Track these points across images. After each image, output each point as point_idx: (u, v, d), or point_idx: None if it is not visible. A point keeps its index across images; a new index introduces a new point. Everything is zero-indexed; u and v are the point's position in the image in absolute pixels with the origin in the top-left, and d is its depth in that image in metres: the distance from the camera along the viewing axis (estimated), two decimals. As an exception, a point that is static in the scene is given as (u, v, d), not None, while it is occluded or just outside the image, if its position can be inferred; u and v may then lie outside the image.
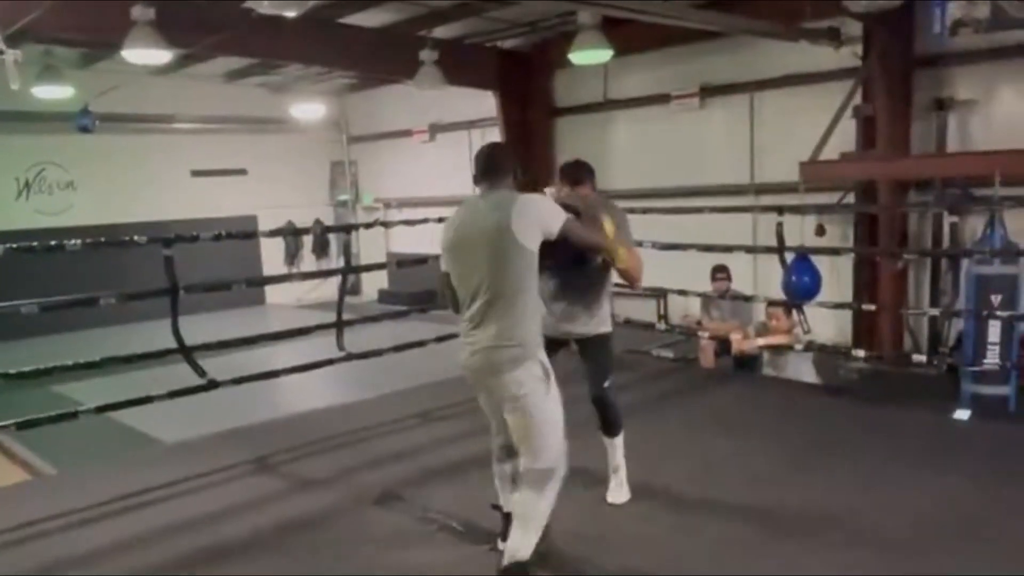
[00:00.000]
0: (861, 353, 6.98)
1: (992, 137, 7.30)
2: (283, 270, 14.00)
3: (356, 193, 15.33)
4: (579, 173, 4.03)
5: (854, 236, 8.30)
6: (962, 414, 5.43)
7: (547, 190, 3.97)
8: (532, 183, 3.78)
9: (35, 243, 5.04)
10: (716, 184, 9.40)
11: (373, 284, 14.28)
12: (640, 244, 6.61)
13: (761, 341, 7.09)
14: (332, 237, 14.83)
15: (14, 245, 4.67)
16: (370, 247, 13.88)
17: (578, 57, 8.33)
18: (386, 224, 9.15)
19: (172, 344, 5.22)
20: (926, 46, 7.63)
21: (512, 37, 10.66)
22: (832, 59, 8.22)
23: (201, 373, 5.26)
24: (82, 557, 3.78)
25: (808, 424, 5.36)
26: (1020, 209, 6.49)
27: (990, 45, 7.26)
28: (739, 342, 7.14)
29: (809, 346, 6.84)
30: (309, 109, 13.01)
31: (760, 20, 7.72)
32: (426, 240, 8.11)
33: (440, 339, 6.64)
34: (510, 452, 3.43)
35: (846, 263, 8.21)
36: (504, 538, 3.50)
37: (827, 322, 8.21)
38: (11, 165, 12.02)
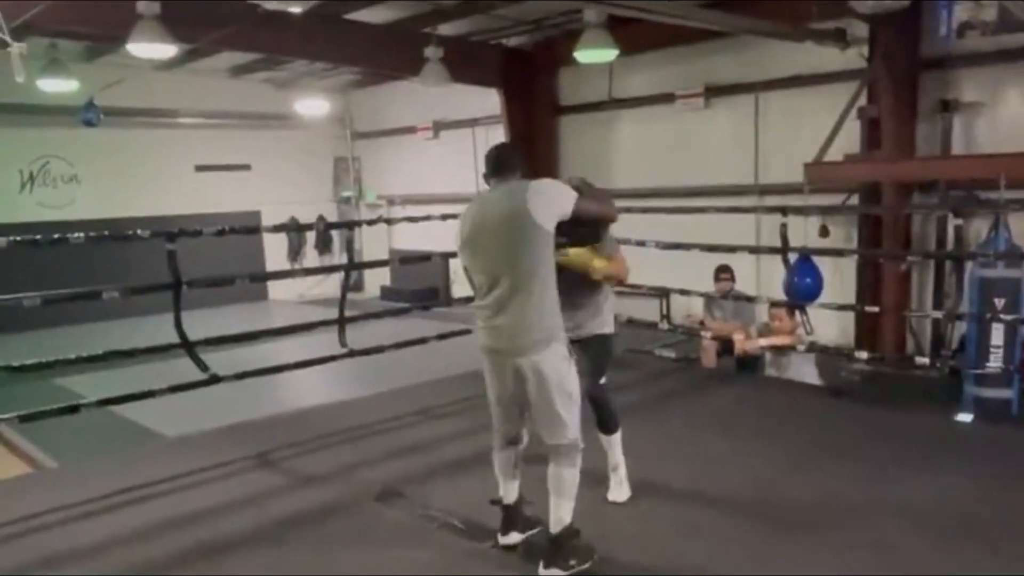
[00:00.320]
0: (864, 355, 6.96)
1: (997, 140, 7.28)
2: (286, 266, 14.04)
3: (359, 189, 15.34)
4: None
5: (858, 238, 8.28)
6: (964, 417, 5.42)
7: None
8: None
9: (38, 236, 5.04)
10: (720, 184, 9.38)
11: (375, 281, 14.30)
12: (643, 244, 6.70)
13: (763, 342, 7.08)
14: (335, 233, 14.83)
15: (17, 238, 4.68)
16: (373, 244, 13.88)
17: (583, 56, 8.32)
18: (389, 221, 9.13)
19: (174, 339, 5.22)
20: (932, 48, 7.61)
21: (517, 35, 10.66)
22: (837, 60, 8.21)
23: (203, 368, 5.26)
24: (83, 550, 3.78)
25: (809, 425, 5.35)
26: (1025, 212, 6.49)
27: (996, 47, 7.23)
28: (741, 342, 7.13)
29: (811, 347, 6.82)
30: (313, 105, 13.03)
31: (766, 20, 7.71)
32: (429, 237, 8.18)
33: (442, 336, 6.65)
34: (513, 441, 3.56)
35: (850, 264, 8.20)
36: (504, 532, 3.61)
37: (830, 323, 8.19)
38: (15, 158, 12.05)
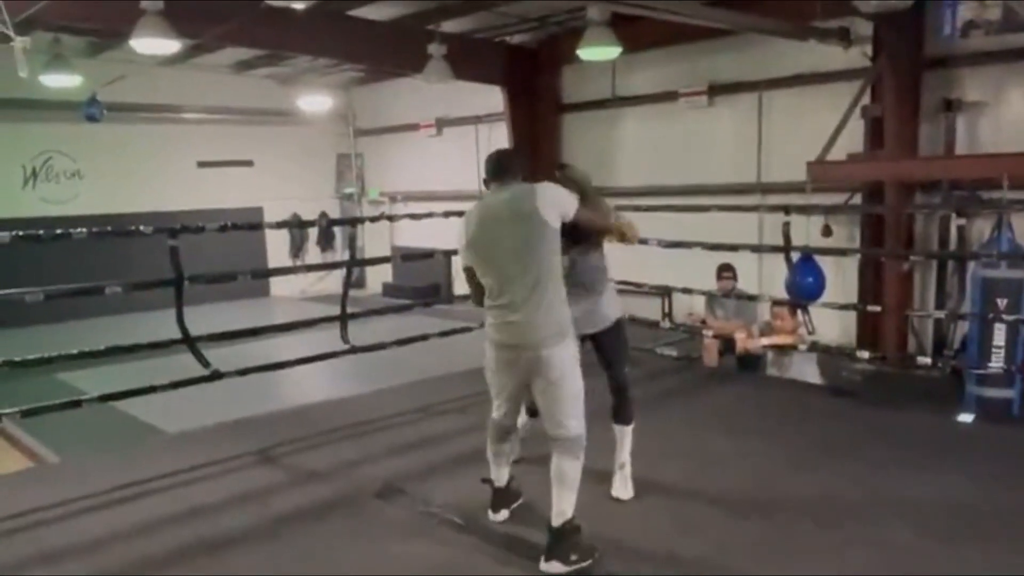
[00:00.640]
0: (865, 354, 6.96)
1: (1001, 139, 7.26)
2: (288, 262, 14.04)
3: (362, 186, 15.33)
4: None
5: (860, 237, 8.27)
6: (966, 417, 5.43)
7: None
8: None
9: (41, 231, 5.03)
10: (723, 183, 9.37)
11: (377, 277, 14.29)
12: (645, 242, 6.68)
13: (765, 341, 7.08)
14: (337, 230, 14.82)
15: (20, 233, 4.67)
16: (375, 240, 13.89)
17: (587, 53, 8.30)
18: (391, 218, 9.14)
19: (176, 334, 5.22)
20: (936, 47, 7.59)
21: (520, 32, 10.65)
22: (841, 59, 8.19)
23: (205, 364, 5.26)
24: (83, 545, 3.78)
25: (810, 424, 5.35)
26: (1028, 212, 6.48)
27: (1000, 47, 7.22)
28: (743, 341, 7.13)
29: (813, 347, 6.82)
30: (316, 101, 13.01)
31: (770, 19, 7.70)
32: (431, 234, 8.18)
33: (444, 333, 6.65)
34: (509, 431, 3.75)
35: (852, 264, 8.19)
36: (495, 510, 3.81)
37: (831, 323, 8.19)
38: (18, 153, 12.05)
